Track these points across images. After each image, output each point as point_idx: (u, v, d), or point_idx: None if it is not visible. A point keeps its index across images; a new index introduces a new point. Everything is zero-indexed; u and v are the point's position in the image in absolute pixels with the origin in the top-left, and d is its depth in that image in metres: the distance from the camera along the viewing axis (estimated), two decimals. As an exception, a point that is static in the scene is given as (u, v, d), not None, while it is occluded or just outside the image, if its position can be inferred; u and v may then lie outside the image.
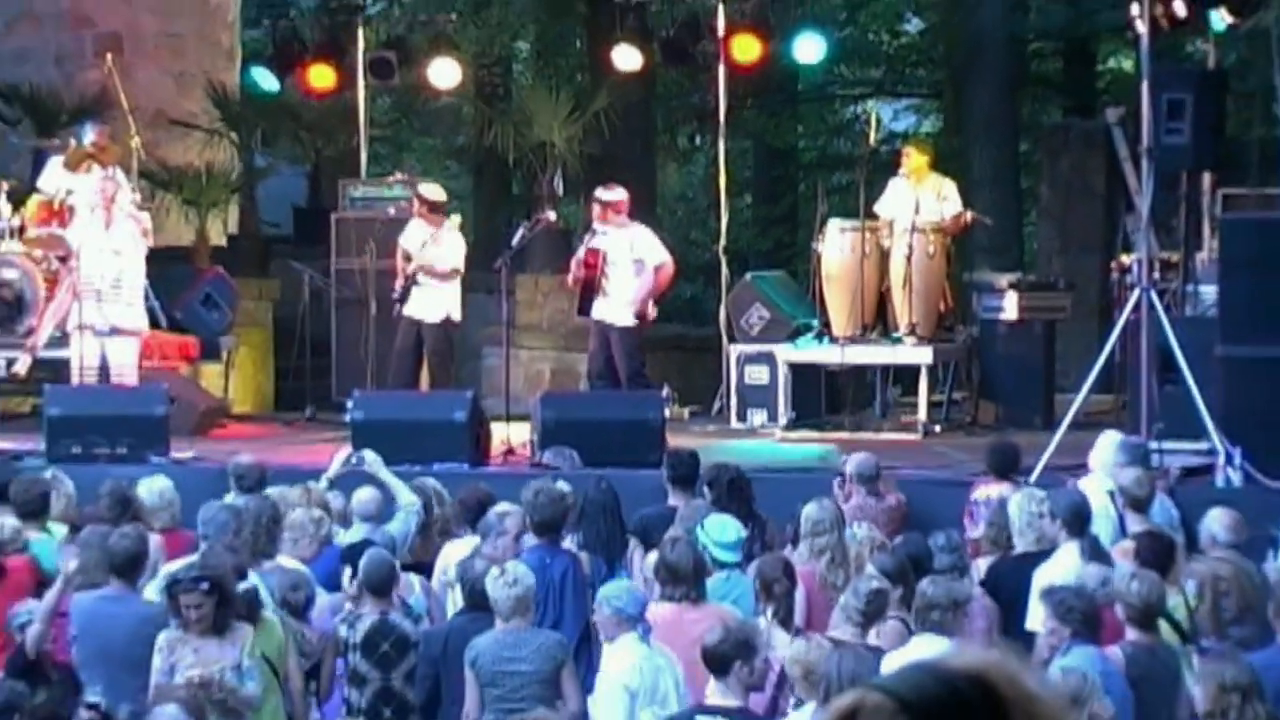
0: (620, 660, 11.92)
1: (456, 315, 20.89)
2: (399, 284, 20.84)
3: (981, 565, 14.22)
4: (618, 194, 20.91)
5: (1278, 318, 16.96)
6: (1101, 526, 14.28)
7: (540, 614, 13.05)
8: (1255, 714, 10.79)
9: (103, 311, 20.04)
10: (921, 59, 33.90)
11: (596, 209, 20.73)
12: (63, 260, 20.89)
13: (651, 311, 20.66)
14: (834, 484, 15.72)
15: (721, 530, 13.78)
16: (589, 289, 20.40)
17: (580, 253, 20.60)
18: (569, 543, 14.37)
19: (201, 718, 11.08)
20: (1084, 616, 12.05)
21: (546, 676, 12.36)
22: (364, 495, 15.28)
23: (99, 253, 20.21)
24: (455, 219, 21.34)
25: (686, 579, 12.67)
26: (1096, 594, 12.30)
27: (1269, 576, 12.81)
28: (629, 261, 20.35)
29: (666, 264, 20.59)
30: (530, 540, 13.83)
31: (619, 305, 20.32)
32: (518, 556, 13.39)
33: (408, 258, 20.86)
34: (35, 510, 14.98)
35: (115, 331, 20.10)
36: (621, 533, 14.60)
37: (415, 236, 20.95)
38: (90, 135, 21.67)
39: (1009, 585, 13.61)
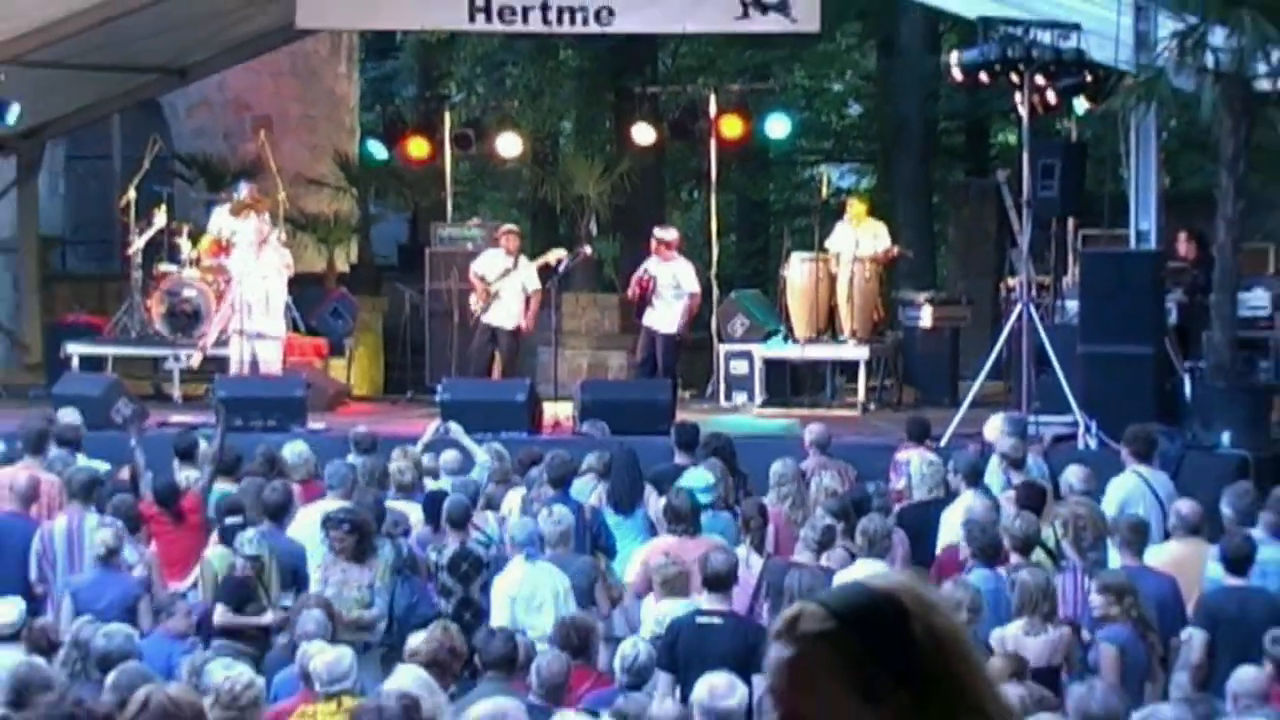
0: (509, 576, 12.17)
1: (525, 324, 20.91)
2: (479, 300, 20.84)
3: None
4: (671, 234, 20.97)
5: (1123, 325, 16.94)
6: (993, 479, 14.33)
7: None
8: (1141, 610, 10.93)
9: (253, 321, 20.13)
10: (860, 134, 33.93)
11: (654, 243, 20.74)
12: (226, 283, 20.96)
13: (687, 331, 20.74)
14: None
15: (695, 480, 13.97)
16: (642, 302, 20.48)
17: (638, 273, 20.61)
18: (598, 492, 14.42)
19: (336, 625, 11.14)
20: (987, 546, 12.09)
21: (584, 589, 12.40)
22: (449, 455, 15.34)
23: (252, 278, 20.30)
24: (558, 251, 21.47)
25: (685, 518, 12.82)
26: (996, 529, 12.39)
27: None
28: (672, 286, 20.39)
29: (697, 293, 20.63)
30: (549, 491, 13.91)
31: (664, 317, 20.35)
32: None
33: (483, 280, 20.87)
34: (230, 469, 14.99)
35: (261, 336, 20.17)
36: (640, 483, 14.61)
37: (495, 264, 20.93)
38: (244, 191, 21.68)
39: (912, 524, 13.64)
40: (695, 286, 20.55)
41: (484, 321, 20.80)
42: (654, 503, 14.19)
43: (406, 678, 8.98)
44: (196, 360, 20.77)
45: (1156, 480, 14.13)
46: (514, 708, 7.98)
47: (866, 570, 12.06)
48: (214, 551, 12.97)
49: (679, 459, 15.21)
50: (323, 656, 9.47)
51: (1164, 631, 11.42)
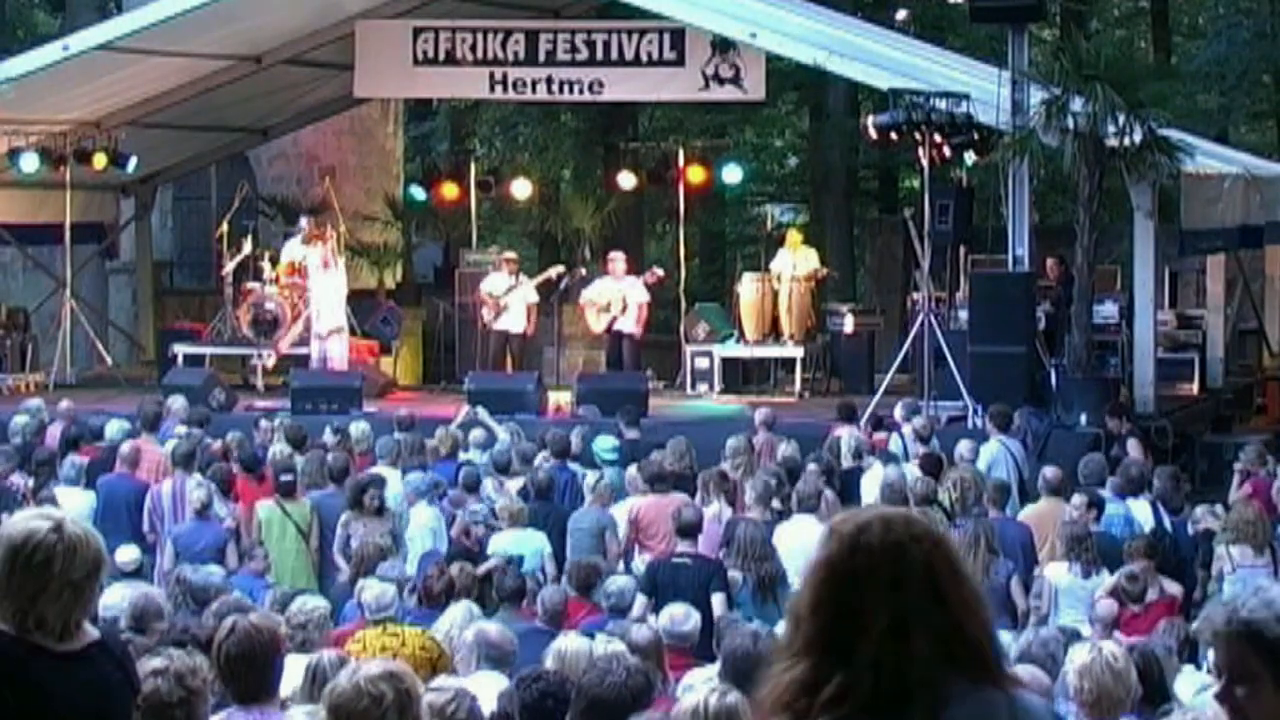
0: (419, 516, 12.55)
1: (531, 329, 20.92)
2: (490, 312, 20.82)
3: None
4: (621, 256, 21.05)
5: (1003, 330, 16.93)
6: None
7: (560, 499, 13.16)
8: (987, 555, 10.98)
9: (324, 324, 20.01)
10: (796, 180, 33.85)
11: (610, 265, 20.79)
12: (299, 297, 20.89)
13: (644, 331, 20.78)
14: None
15: (603, 444, 14.44)
16: (611, 318, 20.51)
17: (604, 294, 20.57)
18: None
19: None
20: (894, 504, 12.07)
21: (598, 534, 12.35)
22: (476, 433, 15.25)
23: (320, 290, 20.19)
24: (557, 267, 21.50)
25: (664, 479, 12.76)
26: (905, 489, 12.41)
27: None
28: (634, 301, 20.40)
29: (644, 303, 20.60)
30: (552, 461, 13.90)
31: (630, 323, 20.31)
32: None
33: (491, 296, 20.82)
34: (298, 443, 14.94)
35: (331, 334, 20.05)
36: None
37: (500, 283, 20.90)
38: (303, 224, 21.74)
39: (842, 486, 13.61)
40: (646, 297, 20.53)
41: (496, 328, 20.77)
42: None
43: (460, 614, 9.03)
44: (272, 361, 20.66)
45: (1012, 445, 14.51)
46: (504, 630, 8.01)
47: (802, 523, 12.06)
48: (263, 505, 12.93)
49: (627, 435, 15.17)
50: (371, 591, 9.38)
51: (1028, 565, 11.54)
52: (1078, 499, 12.00)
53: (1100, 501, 12.06)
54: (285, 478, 13.16)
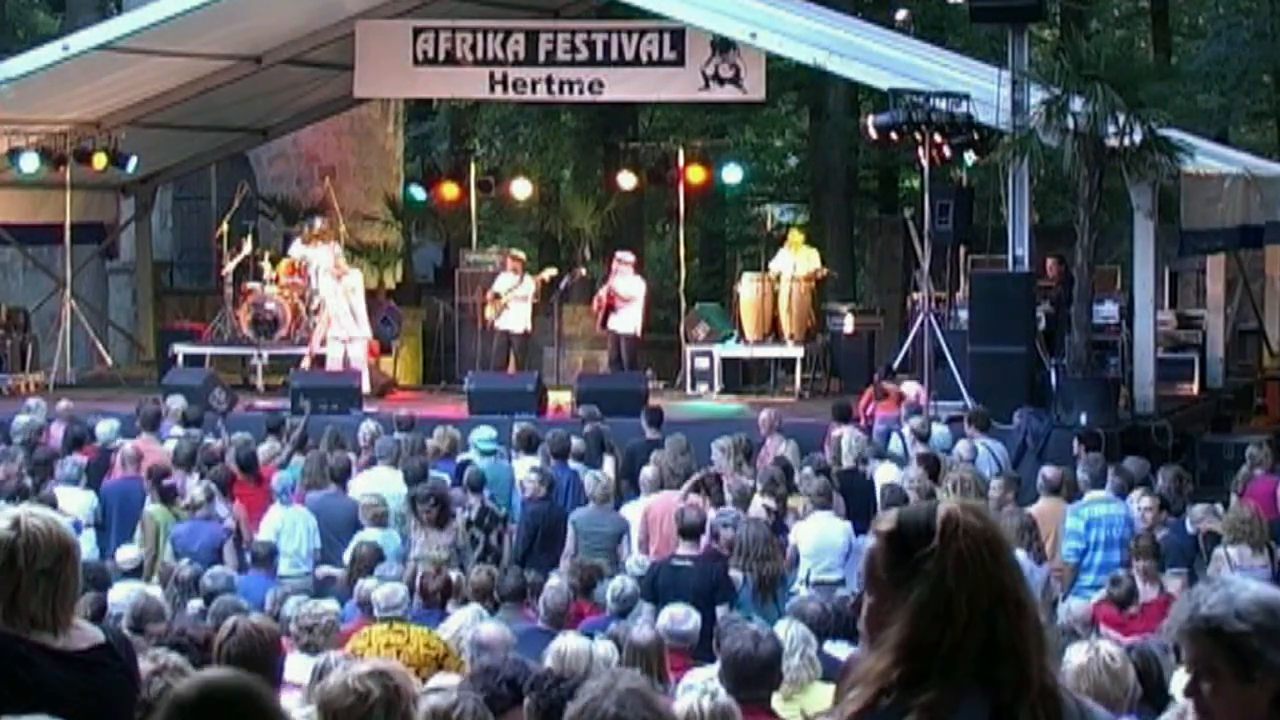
0: (272, 516, 12.71)
1: (530, 328, 20.93)
2: (493, 309, 20.84)
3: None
4: (630, 256, 21.05)
5: (1003, 330, 16.93)
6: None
7: (561, 499, 13.16)
8: (1040, 544, 11.12)
9: (344, 328, 19.97)
10: (796, 180, 33.81)
11: (616, 264, 20.77)
12: (300, 297, 20.86)
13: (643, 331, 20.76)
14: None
15: (480, 436, 14.49)
16: (607, 311, 20.47)
17: (603, 289, 20.65)
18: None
19: None
20: (895, 502, 12.07)
21: (617, 535, 12.34)
22: (480, 434, 15.22)
23: (336, 295, 20.13)
24: (550, 270, 21.61)
25: (675, 476, 12.77)
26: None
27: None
28: (631, 298, 20.40)
29: (640, 300, 20.63)
30: (552, 460, 13.89)
31: (626, 322, 20.33)
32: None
33: (497, 296, 20.83)
34: (300, 445, 14.91)
35: (352, 339, 20.01)
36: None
37: (507, 282, 20.93)
38: (317, 224, 21.70)
39: (844, 485, 13.57)
40: (641, 296, 20.53)
41: (499, 328, 20.81)
42: (608, 467, 14.21)
43: (469, 615, 9.00)
44: (305, 364, 20.36)
45: (994, 447, 14.69)
46: (504, 631, 7.99)
47: (821, 519, 12.08)
48: (154, 508, 12.85)
49: (649, 434, 15.17)
50: (381, 590, 9.33)
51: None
52: (1147, 500, 11.91)
53: (1168, 502, 12.02)
54: (167, 482, 13.10)
